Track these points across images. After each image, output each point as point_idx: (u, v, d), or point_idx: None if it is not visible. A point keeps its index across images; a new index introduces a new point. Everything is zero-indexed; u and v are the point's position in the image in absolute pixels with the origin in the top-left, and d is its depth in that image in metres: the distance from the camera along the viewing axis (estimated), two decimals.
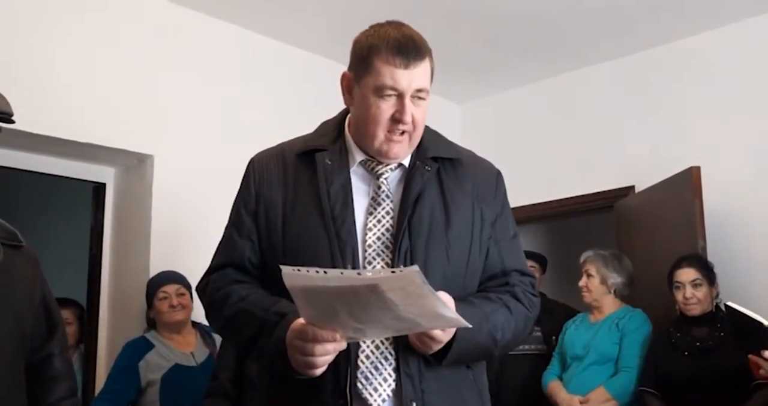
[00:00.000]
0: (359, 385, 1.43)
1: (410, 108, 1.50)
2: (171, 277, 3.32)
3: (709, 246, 3.50)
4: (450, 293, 1.41)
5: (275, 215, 1.56)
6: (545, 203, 4.62)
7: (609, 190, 4.36)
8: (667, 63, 4.23)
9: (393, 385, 1.44)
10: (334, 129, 1.64)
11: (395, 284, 1.18)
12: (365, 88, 1.51)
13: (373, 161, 1.58)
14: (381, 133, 1.52)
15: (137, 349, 3.17)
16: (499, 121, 4.99)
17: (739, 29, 3.97)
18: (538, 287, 4.45)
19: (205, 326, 3.28)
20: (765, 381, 2.83)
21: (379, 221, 1.53)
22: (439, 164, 1.60)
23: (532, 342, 3.92)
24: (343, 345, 1.35)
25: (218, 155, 3.69)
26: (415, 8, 3.70)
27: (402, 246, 1.48)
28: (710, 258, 3.39)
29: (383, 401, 1.43)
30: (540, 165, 4.69)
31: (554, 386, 3.55)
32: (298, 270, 1.20)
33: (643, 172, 4.12)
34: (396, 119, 1.50)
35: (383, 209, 1.54)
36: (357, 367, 1.44)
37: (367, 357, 1.45)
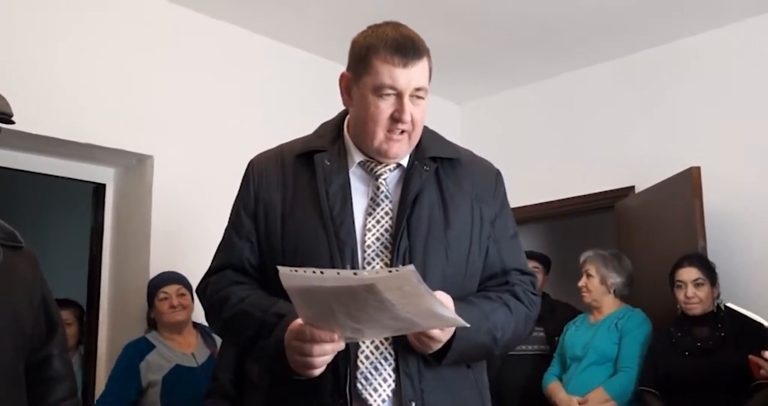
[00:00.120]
0: (359, 385, 1.43)
1: (409, 107, 1.50)
2: (171, 277, 3.32)
3: (709, 246, 3.50)
4: (450, 293, 1.41)
5: (274, 216, 1.56)
6: (545, 203, 4.62)
7: (609, 191, 4.36)
8: (667, 63, 4.23)
9: (393, 385, 1.44)
10: (333, 130, 1.64)
11: (392, 284, 1.18)
12: (364, 88, 1.51)
13: (372, 162, 1.59)
14: (380, 133, 1.52)
15: (138, 350, 3.17)
16: (499, 122, 4.99)
17: (739, 29, 3.97)
18: (541, 287, 4.47)
19: (205, 326, 3.28)
20: (765, 381, 2.83)
21: (378, 222, 1.53)
22: (438, 164, 1.60)
23: (534, 342, 3.92)
24: (341, 345, 1.35)
25: (218, 156, 3.69)
26: (415, 8, 3.70)
27: (401, 246, 1.49)
28: (710, 258, 3.39)
29: (383, 401, 1.43)
30: (540, 165, 4.68)
31: (553, 387, 3.55)
32: (295, 271, 1.20)
33: (644, 173, 4.12)
34: (395, 118, 1.50)
35: (382, 209, 1.54)
36: (357, 367, 1.44)
37: (367, 357, 1.45)
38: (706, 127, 4.02)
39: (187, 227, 3.58)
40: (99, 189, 3.76)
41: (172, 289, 3.27)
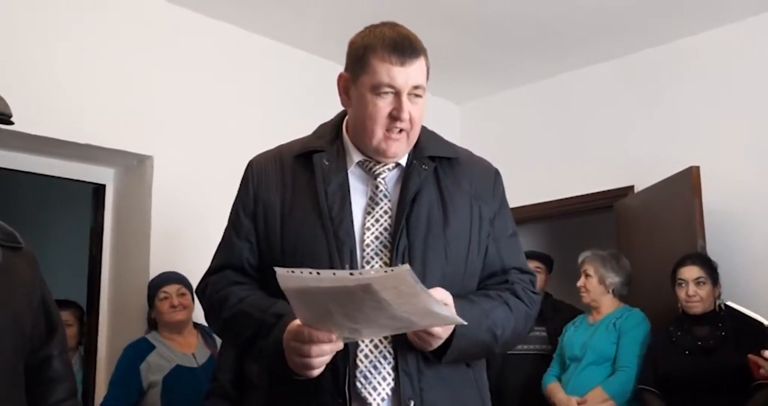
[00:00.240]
0: (358, 384, 1.43)
1: (407, 105, 1.50)
2: (172, 277, 3.32)
3: (709, 246, 3.50)
4: (449, 292, 1.41)
5: (273, 216, 1.57)
6: (545, 203, 4.62)
7: (609, 190, 4.36)
8: (667, 63, 4.23)
9: (392, 384, 1.44)
10: (331, 131, 1.65)
11: (388, 284, 1.18)
12: (362, 87, 1.52)
13: (371, 161, 1.59)
14: (379, 132, 1.52)
15: (138, 351, 3.17)
16: (499, 122, 4.99)
17: (739, 29, 3.97)
18: (544, 287, 4.47)
19: (206, 327, 3.28)
20: (765, 381, 2.83)
21: (377, 220, 1.53)
22: (436, 163, 1.60)
23: (534, 342, 3.92)
24: (339, 345, 1.35)
25: (218, 156, 3.69)
26: (414, 8, 3.70)
27: (400, 245, 1.49)
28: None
29: (382, 400, 1.43)
30: (540, 165, 4.68)
31: (552, 388, 3.55)
32: (292, 272, 1.20)
33: (643, 172, 4.12)
34: (393, 117, 1.51)
35: (381, 208, 1.54)
36: (356, 366, 1.44)
37: (366, 356, 1.45)
38: (705, 127, 4.02)
39: (187, 227, 3.58)
40: (99, 190, 3.76)
41: (172, 288, 3.27)
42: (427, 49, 1.55)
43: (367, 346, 1.45)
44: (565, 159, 4.59)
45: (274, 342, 1.41)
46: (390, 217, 1.53)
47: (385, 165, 1.59)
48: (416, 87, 1.51)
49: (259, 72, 4.06)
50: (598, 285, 3.55)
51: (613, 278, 3.54)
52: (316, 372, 1.37)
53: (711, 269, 3.26)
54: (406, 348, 1.45)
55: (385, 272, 1.18)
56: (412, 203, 1.53)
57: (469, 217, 1.57)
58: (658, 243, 3.80)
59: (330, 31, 3.95)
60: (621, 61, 4.43)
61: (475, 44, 4.23)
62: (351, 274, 1.19)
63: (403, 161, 1.61)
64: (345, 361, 1.43)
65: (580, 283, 3.60)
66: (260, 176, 1.62)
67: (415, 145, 1.60)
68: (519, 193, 3.79)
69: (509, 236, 1.65)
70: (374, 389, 1.43)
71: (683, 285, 3.24)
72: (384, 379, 1.44)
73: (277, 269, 1.22)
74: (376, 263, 1.49)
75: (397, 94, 1.50)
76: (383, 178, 1.58)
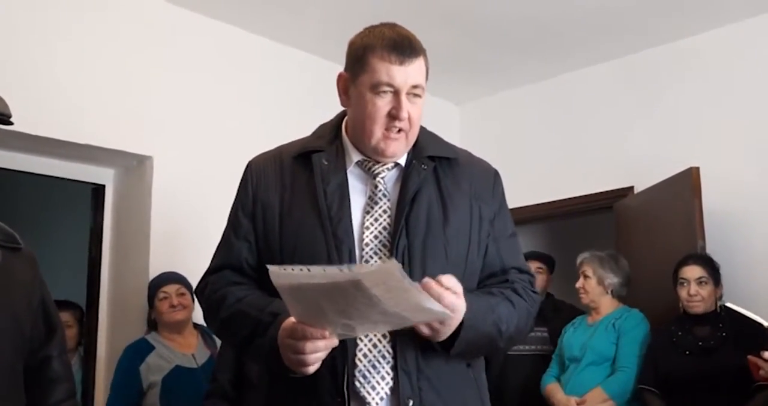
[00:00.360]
0: (357, 383, 1.43)
1: (406, 105, 1.51)
2: (171, 277, 3.33)
3: (709, 246, 3.50)
4: None
5: (272, 216, 1.57)
6: (545, 203, 4.62)
7: (609, 191, 4.36)
8: (667, 63, 4.23)
9: (391, 383, 1.44)
10: (331, 131, 1.65)
11: (377, 280, 1.18)
12: (362, 87, 1.52)
13: (370, 161, 1.59)
14: (378, 131, 1.52)
15: (138, 351, 3.17)
16: (499, 122, 4.99)
17: (739, 29, 3.97)
18: (545, 287, 4.48)
19: (206, 327, 3.28)
20: (765, 383, 2.83)
21: (376, 220, 1.53)
22: (436, 163, 1.60)
23: (534, 342, 3.92)
24: (334, 342, 1.35)
25: (217, 156, 3.69)
26: (414, 9, 3.70)
27: (399, 244, 1.49)
28: None
29: (381, 399, 1.43)
30: (539, 166, 4.68)
31: (552, 388, 3.55)
32: (284, 269, 1.21)
33: (643, 173, 4.12)
34: (392, 116, 1.51)
35: (380, 207, 1.54)
36: (355, 365, 1.44)
37: (365, 355, 1.45)
38: (705, 127, 4.02)
39: (186, 227, 3.58)
40: (98, 190, 3.76)
41: (172, 288, 3.27)
42: (426, 50, 1.56)
43: (366, 345, 1.45)
44: (565, 159, 4.59)
45: (269, 340, 1.41)
46: (389, 216, 1.53)
47: (384, 165, 1.59)
48: (415, 87, 1.51)
49: (259, 72, 4.06)
50: (596, 286, 3.55)
51: (611, 279, 3.54)
52: (312, 369, 1.37)
53: (713, 270, 3.26)
54: (405, 347, 1.45)
55: (372, 266, 1.18)
56: (411, 203, 1.53)
57: (468, 217, 1.57)
58: (658, 243, 3.80)
59: (329, 32, 3.95)
60: (621, 61, 4.43)
61: (475, 45, 4.23)
62: (341, 270, 1.19)
63: (402, 161, 1.61)
64: (344, 360, 1.43)
65: (578, 284, 3.60)
66: (259, 177, 1.62)
67: (415, 145, 1.60)
68: (519, 194, 3.79)
69: (509, 236, 1.65)
70: (373, 388, 1.43)
71: (685, 284, 3.24)
72: (383, 378, 1.44)
73: (269, 266, 1.22)
74: (375, 262, 1.49)
75: (396, 94, 1.50)
76: (382, 178, 1.58)
